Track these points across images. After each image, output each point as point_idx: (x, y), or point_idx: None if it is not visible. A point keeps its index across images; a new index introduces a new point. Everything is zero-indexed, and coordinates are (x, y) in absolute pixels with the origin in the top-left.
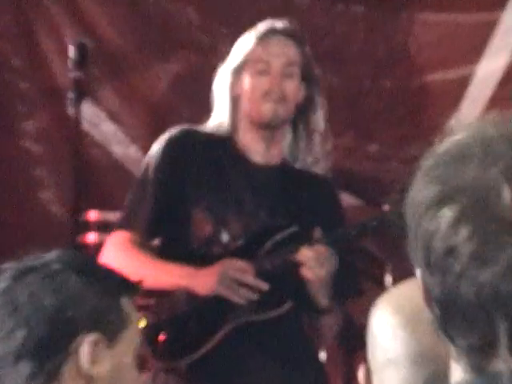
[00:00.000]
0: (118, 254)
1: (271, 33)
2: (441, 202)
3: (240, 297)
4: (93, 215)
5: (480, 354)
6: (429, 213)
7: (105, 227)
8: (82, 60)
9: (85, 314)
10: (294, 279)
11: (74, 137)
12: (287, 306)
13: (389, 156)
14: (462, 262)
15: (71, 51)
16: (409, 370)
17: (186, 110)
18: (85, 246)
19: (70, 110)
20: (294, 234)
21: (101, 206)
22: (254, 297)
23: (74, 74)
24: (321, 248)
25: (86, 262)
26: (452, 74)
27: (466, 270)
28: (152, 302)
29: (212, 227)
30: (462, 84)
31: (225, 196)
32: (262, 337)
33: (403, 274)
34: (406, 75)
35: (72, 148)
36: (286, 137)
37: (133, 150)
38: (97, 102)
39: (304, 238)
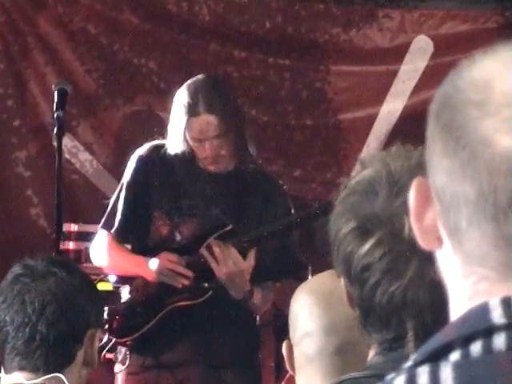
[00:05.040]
0: (98, 249)
1: (197, 114)
2: (360, 235)
3: (175, 282)
4: (72, 227)
5: (391, 344)
6: (349, 240)
7: (81, 237)
8: (63, 102)
9: (94, 311)
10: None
11: (57, 164)
12: (209, 295)
13: (310, 179)
14: (376, 277)
15: (54, 94)
16: (322, 339)
17: (147, 142)
18: (66, 252)
19: (54, 143)
20: (231, 232)
21: (79, 219)
22: (187, 282)
23: (56, 113)
24: (228, 249)
25: (85, 274)
26: (361, 114)
27: (380, 283)
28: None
29: (168, 229)
30: (369, 121)
31: (180, 203)
32: (192, 318)
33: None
34: (323, 114)
35: (56, 173)
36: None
37: (105, 175)
38: (75, 136)
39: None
